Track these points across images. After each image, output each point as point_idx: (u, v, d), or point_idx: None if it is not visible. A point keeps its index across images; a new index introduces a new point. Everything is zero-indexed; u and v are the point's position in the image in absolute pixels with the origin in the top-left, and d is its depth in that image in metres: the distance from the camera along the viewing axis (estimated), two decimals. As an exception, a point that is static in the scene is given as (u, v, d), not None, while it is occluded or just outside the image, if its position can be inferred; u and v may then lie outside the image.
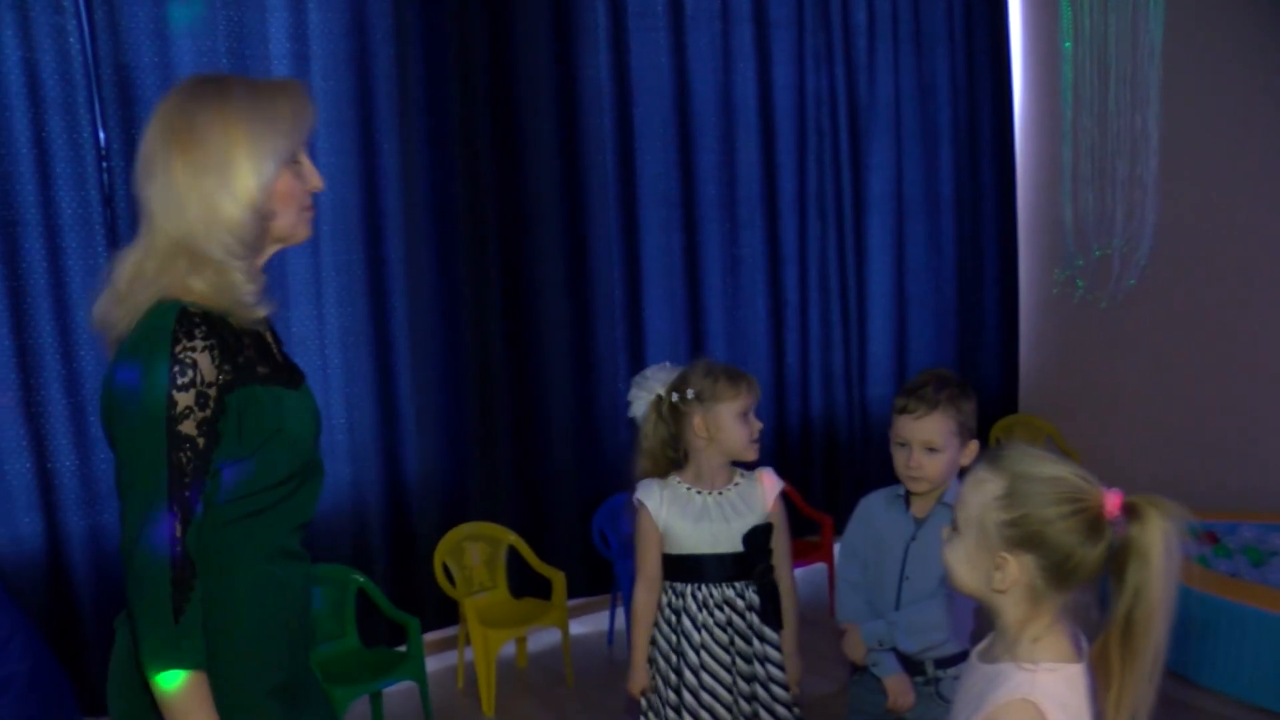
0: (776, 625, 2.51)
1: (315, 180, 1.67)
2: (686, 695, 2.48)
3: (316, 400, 1.78)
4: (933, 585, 2.30)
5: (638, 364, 4.64)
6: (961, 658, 2.34)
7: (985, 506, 1.48)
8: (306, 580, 1.72)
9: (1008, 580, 1.46)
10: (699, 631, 2.48)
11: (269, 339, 1.69)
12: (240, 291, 1.56)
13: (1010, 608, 1.49)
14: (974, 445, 2.31)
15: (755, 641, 2.49)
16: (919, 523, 2.36)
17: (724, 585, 2.48)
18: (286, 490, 1.62)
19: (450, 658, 4.20)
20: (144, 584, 1.46)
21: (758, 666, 2.49)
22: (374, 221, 3.99)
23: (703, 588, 2.49)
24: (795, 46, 4.98)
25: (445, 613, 4.19)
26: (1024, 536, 1.45)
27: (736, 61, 4.83)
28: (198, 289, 1.54)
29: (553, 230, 4.35)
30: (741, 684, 2.49)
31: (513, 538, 4.15)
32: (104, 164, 3.55)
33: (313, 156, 3.80)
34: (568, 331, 4.42)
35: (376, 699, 3.78)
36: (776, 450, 5.09)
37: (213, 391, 1.50)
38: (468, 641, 3.96)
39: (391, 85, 3.96)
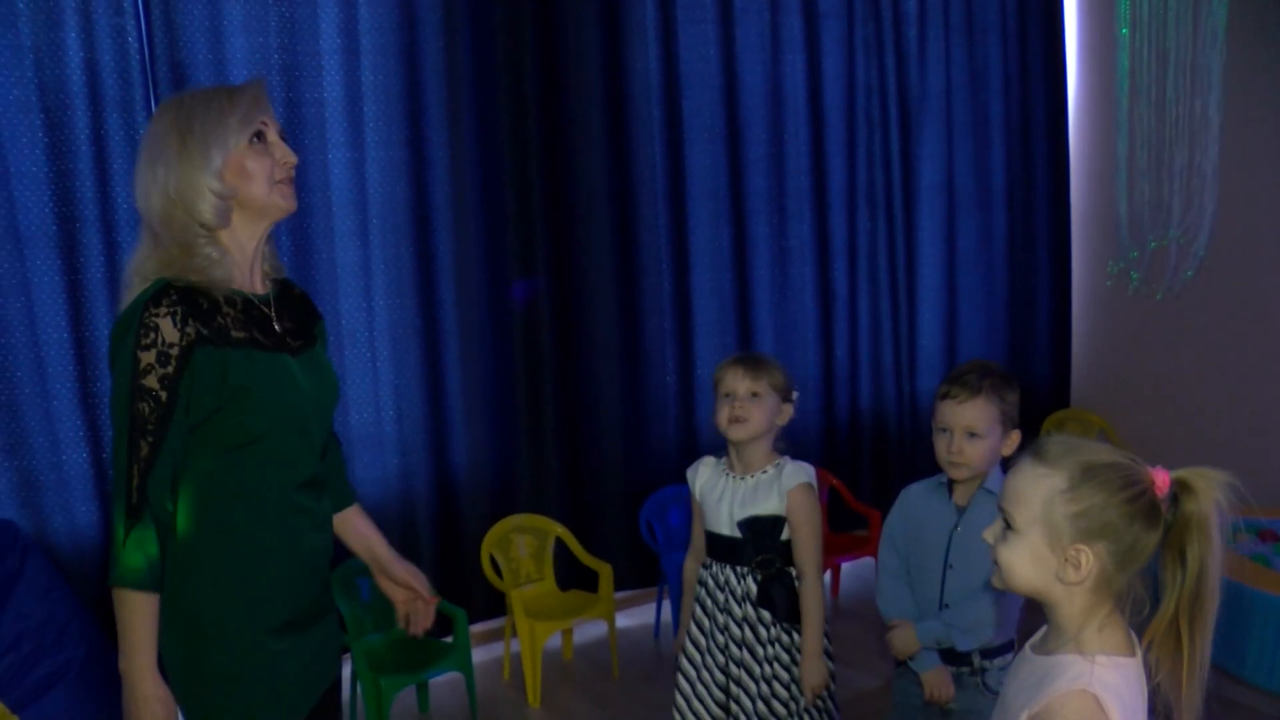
0: (785, 619, 2.53)
1: (285, 155, 1.89)
2: (680, 656, 2.67)
3: (339, 380, 2.05)
4: (977, 574, 2.29)
5: (686, 356, 4.63)
6: (1008, 649, 2.37)
7: (1050, 501, 1.45)
8: (317, 528, 1.94)
9: (1082, 572, 1.45)
10: (698, 605, 2.62)
11: (265, 309, 1.91)
12: (207, 262, 1.81)
13: (1074, 599, 1.47)
14: (1016, 435, 2.32)
15: (747, 630, 2.54)
16: (961, 511, 2.36)
17: (726, 567, 2.57)
18: (271, 448, 1.83)
19: (497, 649, 4.23)
20: (113, 511, 1.74)
21: (746, 653, 2.53)
22: (423, 215, 4.02)
23: (713, 566, 2.60)
24: (845, 37, 4.94)
25: (492, 604, 4.21)
26: (1096, 526, 1.43)
27: (785, 53, 4.79)
28: (178, 264, 1.80)
29: (601, 223, 4.35)
30: (715, 658, 2.58)
31: (560, 530, 4.16)
32: (159, 160, 3.59)
33: (360, 149, 3.81)
34: (616, 324, 4.42)
35: (423, 689, 3.81)
36: (824, 444, 5.07)
37: (174, 351, 1.74)
38: (514, 633, 3.98)
39: (441, 79, 3.98)
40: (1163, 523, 1.43)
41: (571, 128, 4.27)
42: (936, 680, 2.35)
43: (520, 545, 4.14)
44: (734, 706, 2.54)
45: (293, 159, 1.91)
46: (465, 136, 4.04)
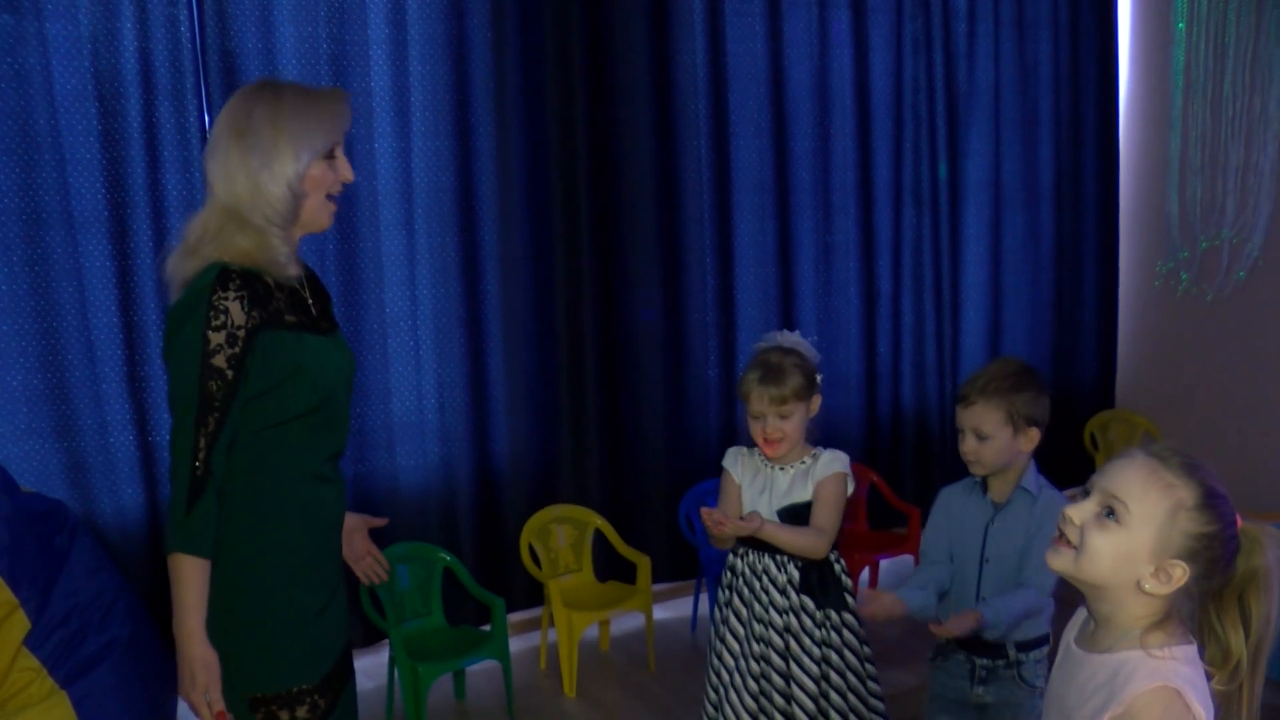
0: (828, 604, 2.55)
1: (346, 173, 2.02)
2: (715, 642, 2.68)
3: (352, 354, 2.16)
4: (1013, 567, 2.36)
5: (728, 350, 4.63)
6: (1043, 641, 2.41)
7: (1176, 513, 1.44)
8: (339, 499, 2.09)
9: (1170, 585, 1.45)
10: (733, 593, 2.64)
11: (305, 294, 2.04)
12: (275, 252, 1.93)
13: (1140, 604, 1.48)
14: (1034, 432, 2.41)
15: (793, 618, 2.54)
16: (998, 507, 2.42)
17: (765, 555, 2.58)
18: (315, 422, 1.96)
19: (534, 639, 4.24)
20: (172, 482, 1.85)
21: (793, 642, 2.54)
22: (468, 204, 4.04)
23: (750, 554, 2.61)
24: (893, 31, 4.90)
25: (530, 594, 4.23)
26: (1200, 550, 1.44)
27: (833, 47, 4.76)
28: (243, 247, 1.90)
29: (646, 215, 4.35)
30: (753, 647, 2.57)
31: (599, 521, 4.17)
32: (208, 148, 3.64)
33: (406, 138, 3.86)
34: (659, 316, 4.42)
35: (460, 677, 3.83)
36: (866, 441, 5.04)
37: (241, 333, 1.85)
38: (551, 623, 3.99)
39: (488, 70, 4.00)
40: (1234, 569, 1.46)
41: (618, 119, 4.27)
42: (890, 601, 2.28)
43: (559, 535, 4.16)
44: (797, 692, 2.53)
45: (351, 176, 2.03)
46: (511, 127, 4.06)
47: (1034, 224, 5.44)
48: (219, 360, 1.84)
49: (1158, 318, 5.56)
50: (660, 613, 4.45)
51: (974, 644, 2.40)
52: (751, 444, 2.67)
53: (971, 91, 5.15)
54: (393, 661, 3.59)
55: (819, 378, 2.62)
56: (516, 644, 4.12)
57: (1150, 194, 5.49)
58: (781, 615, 2.55)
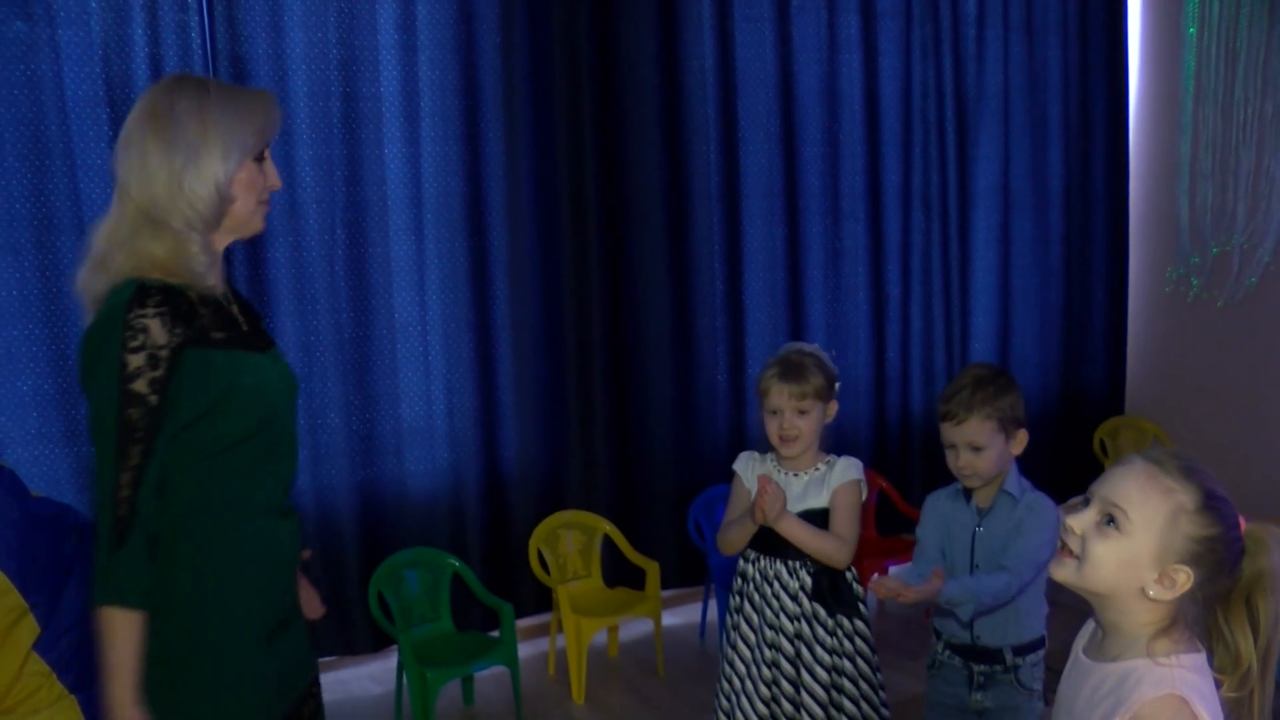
0: (840, 611, 2.54)
1: (274, 179, 1.86)
2: (726, 649, 2.65)
3: (293, 372, 1.97)
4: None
5: (737, 355, 4.62)
6: (1039, 645, 2.44)
7: (1176, 517, 1.43)
8: (294, 533, 1.90)
9: (1175, 591, 1.44)
10: (744, 600, 2.61)
11: (232, 309, 1.86)
12: (193, 260, 1.75)
13: (1145, 610, 1.47)
14: (1022, 435, 2.40)
15: (804, 625, 2.52)
16: (983, 513, 2.44)
17: (776, 561, 2.56)
18: (257, 448, 1.79)
19: (542, 644, 4.24)
20: (96, 523, 1.67)
21: (805, 649, 2.52)
22: (477, 210, 4.04)
23: (761, 559, 2.59)
24: (902, 37, 4.90)
25: (539, 600, 4.22)
26: (1203, 553, 1.43)
27: (842, 52, 4.76)
28: (157, 255, 1.72)
29: (655, 220, 4.35)
30: (764, 653, 2.55)
31: (608, 527, 4.17)
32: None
33: (416, 144, 3.86)
34: (668, 322, 4.42)
35: (468, 682, 3.83)
36: (875, 446, 5.03)
37: (164, 353, 1.67)
38: (560, 629, 3.99)
39: (497, 75, 4.00)
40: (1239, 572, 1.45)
41: (626, 124, 4.28)
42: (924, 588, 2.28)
43: (568, 541, 4.15)
44: (807, 700, 2.52)
45: (279, 184, 1.88)
46: (520, 132, 4.06)
47: (1043, 229, 5.42)
48: (139, 385, 1.65)
49: (1168, 323, 5.55)
50: (669, 619, 4.44)
51: (971, 650, 2.42)
52: (764, 449, 2.66)
53: (981, 96, 5.15)
54: (401, 667, 3.59)
55: (837, 385, 2.61)
56: (525, 650, 4.11)
57: (1160, 199, 5.47)
58: (793, 622, 2.54)
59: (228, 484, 1.76)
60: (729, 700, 2.63)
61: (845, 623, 2.54)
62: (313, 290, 3.80)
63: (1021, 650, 2.40)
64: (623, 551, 4.14)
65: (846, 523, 2.52)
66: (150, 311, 1.67)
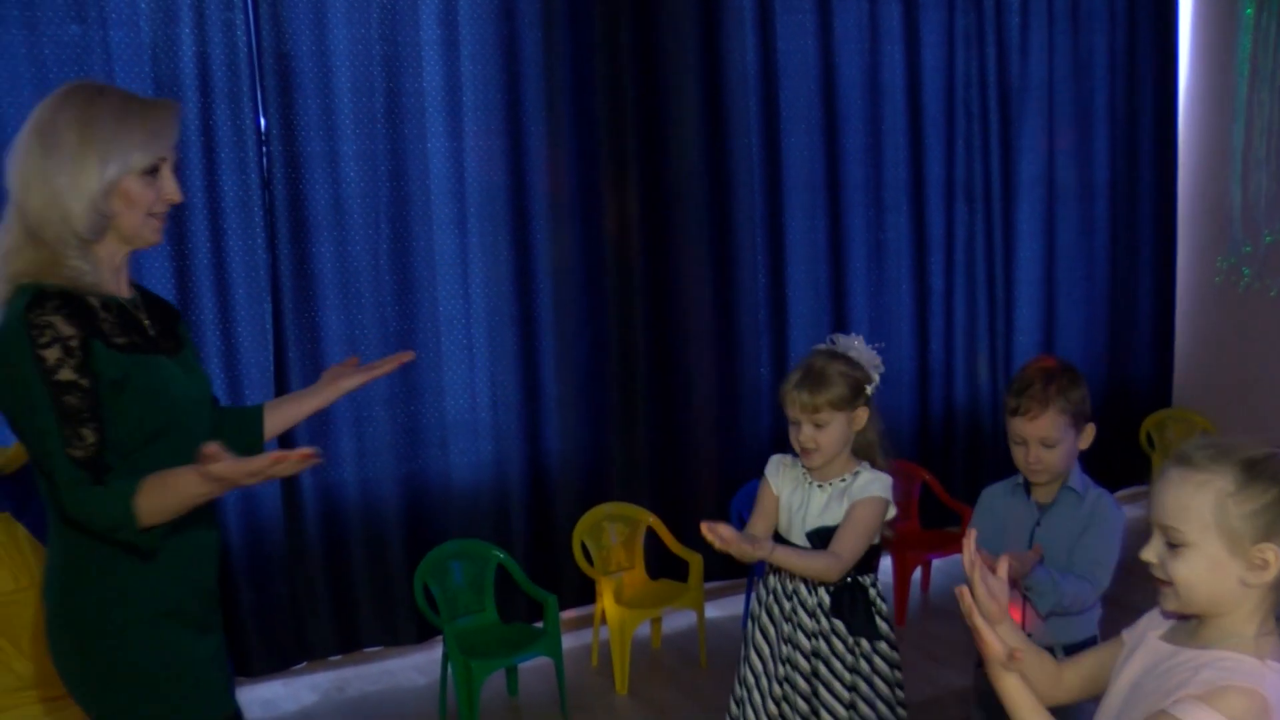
0: (859, 632, 2.43)
1: (172, 193, 1.82)
2: (742, 660, 2.56)
3: (206, 377, 1.97)
4: (1060, 569, 2.29)
5: (780, 348, 4.61)
6: (1091, 643, 2.36)
7: (1221, 505, 1.41)
8: (206, 527, 1.88)
9: (1270, 569, 1.41)
10: (764, 611, 2.52)
11: (139, 315, 1.84)
12: (75, 272, 1.73)
13: (1249, 599, 1.43)
14: (1090, 429, 2.36)
15: (822, 643, 2.43)
16: (1043, 509, 2.39)
17: (795, 576, 2.45)
18: (162, 450, 1.76)
19: (586, 636, 4.25)
20: (81, 508, 1.68)
21: (823, 666, 2.42)
22: (520, 204, 4.06)
23: (782, 573, 2.47)
24: (945, 26, 4.85)
25: (583, 591, 4.24)
26: (1273, 520, 1.40)
27: (884, 43, 4.73)
28: (47, 269, 1.72)
29: (697, 213, 4.35)
30: (777, 668, 2.46)
31: (651, 519, 4.18)
32: (264, 149, 3.71)
33: (458, 138, 3.84)
34: (711, 314, 4.42)
35: (512, 673, 3.86)
36: (918, 438, 5.00)
37: (74, 342, 1.67)
38: (603, 620, 4.00)
39: (539, 69, 4.02)
40: None
41: (668, 117, 4.28)
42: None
43: (612, 533, 4.17)
44: (826, 717, 2.43)
45: (178, 198, 1.83)
46: (563, 126, 4.08)
47: (1088, 219, 5.36)
48: (65, 374, 1.66)
49: (1217, 314, 5.45)
50: (712, 611, 4.44)
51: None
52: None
53: (1024, 86, 5.09)
54: (446, 658, 3.62)
55: (870, 388, 2.43)
56: (569, 641, 4.13)
57: (1211, 187, 5.38)
58: (810, 639, 2.43)
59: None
60: (740, 706, 2.56)
61: (864, 642, 2.44)
62: (357, 284, 3.84)
63: (1072, 649, 2.33)
64: (666, 544, 4.15)
65: (848, 538, 2.35)
66: (50, 309, 1.67)
